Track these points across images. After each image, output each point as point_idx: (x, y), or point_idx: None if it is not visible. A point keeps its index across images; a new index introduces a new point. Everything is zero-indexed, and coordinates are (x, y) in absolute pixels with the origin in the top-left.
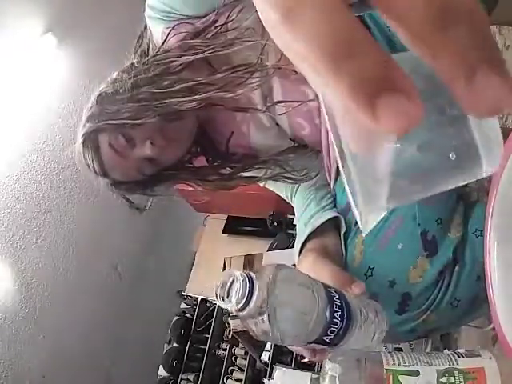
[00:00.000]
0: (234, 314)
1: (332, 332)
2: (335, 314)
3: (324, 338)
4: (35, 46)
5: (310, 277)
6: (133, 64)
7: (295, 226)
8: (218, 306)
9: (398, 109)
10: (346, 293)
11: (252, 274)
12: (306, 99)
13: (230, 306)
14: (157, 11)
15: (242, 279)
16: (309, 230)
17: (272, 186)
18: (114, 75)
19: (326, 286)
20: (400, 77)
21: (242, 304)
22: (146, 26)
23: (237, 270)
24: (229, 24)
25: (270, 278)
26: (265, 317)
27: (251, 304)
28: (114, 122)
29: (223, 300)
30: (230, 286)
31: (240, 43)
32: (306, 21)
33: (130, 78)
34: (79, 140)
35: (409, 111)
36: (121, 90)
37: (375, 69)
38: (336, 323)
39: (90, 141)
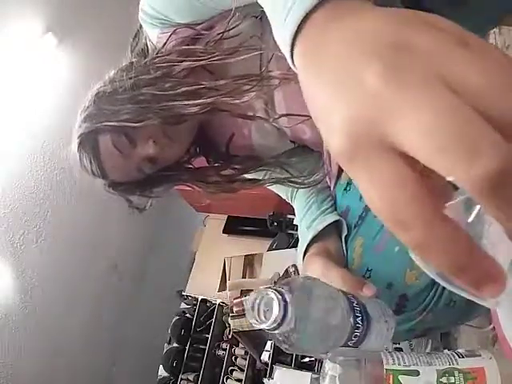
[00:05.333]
0: (267, 331)
1: (355, 336)
2: (357, 319)
3: (349, 343)
4: (35, 46)
5: (330, 286)
6: (132, 63)
7: (295, 226)
8: (218, 306)
9: (495, 290)
10: (358, 295)
11: (283, 290)
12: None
13: (264, 326)
14: (150, 17)
15: (275, 298)
16: (312, 234)
17: (272, 187)
18: (112, 74)
19: (344, 292)
20: (495, 273)
21: (276, 324)
22: (142, 25)
23: (268, 288)
24: (230, 32)
25: (300, 292)
26: (296, 332)
27: (285, 323)
28: (113, 123)
29: (256, 320)
30: (260, 303)
31: (245, 51)
32: (439, 252)
33: (130, 78)
34: (75, 141)
35: (500, 289)
36: (120, 90)
37: (486, 272)
38: (358, 327)
39: (88, 141)
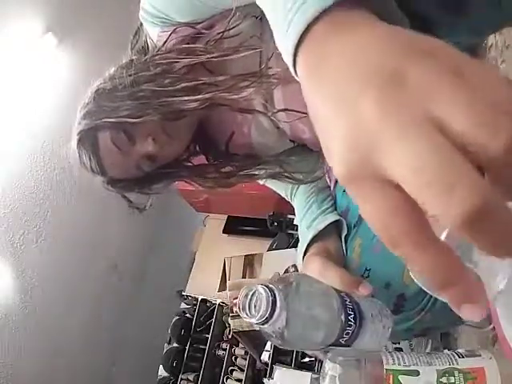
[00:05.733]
0: (257, 327)
1: (347, 334)
2: (349, 317)
3: (340, 340)
4: (35, 46)
5: (322, 283)
6: (132, 60)
7: (295, 226)
8: (218, 306)
9: (473, 313)
10: (353, 294)
11: (273, 286)
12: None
13: (254, 320)
14: (150, 16)
15: (264, 294)
16: (312, 233)
17: (272, 185)
18: (112, 71)
19: (337, 291)
20: (477, 296)
21: (264, 318)
22: (142, 23)
23: (259, 284)
24: (231, 31)
25: (292, 289)
26: (287, 327)
27: (274, 317)
28: (113, 119)
29: (246, 314)
30: (252, 299)
31: (245, 50)
32: (425, 270)
33: (130, 75)
34: (75, 138)
35: (478, 313)
36: (120, 87)
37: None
38: (350, 325)
39: (88, 138)
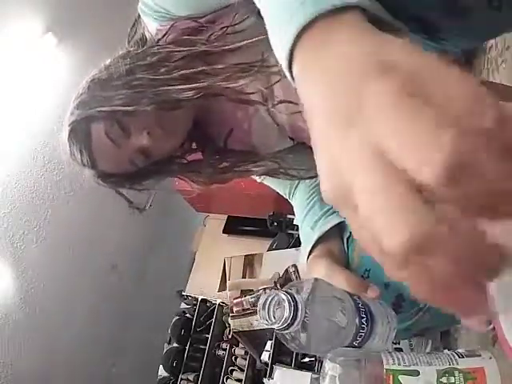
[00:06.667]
0: (277, 331)
1: (360, 337)
2: (362, 320)
3: (354, 342)
4: (35, 46)
5: (337, 287)
6: (129, 51)
7: (295, 226)
8: (218, 306)
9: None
10: (361, 296)
11: (294, 293)
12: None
13: (275, 326)
14: (150, 9)
15: (286, 300)
16: (317, 235)
17: (270, 183)
18: (108, 62)
19: (349, 294)
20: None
21: (287, 324)
22: (140, 15)
23: (279, 290)
24: (236, 26)
25: (309, 294)
26: (305, 332)
27: (296, 322)
28: (106, 108)
29: (267, 321)
30: (271, 305)
31: (245, 40)
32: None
33: (126, 64)
34: (67, 129)
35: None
36: (115, 76)
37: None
38: (363, 328)
39: (80, 130)
